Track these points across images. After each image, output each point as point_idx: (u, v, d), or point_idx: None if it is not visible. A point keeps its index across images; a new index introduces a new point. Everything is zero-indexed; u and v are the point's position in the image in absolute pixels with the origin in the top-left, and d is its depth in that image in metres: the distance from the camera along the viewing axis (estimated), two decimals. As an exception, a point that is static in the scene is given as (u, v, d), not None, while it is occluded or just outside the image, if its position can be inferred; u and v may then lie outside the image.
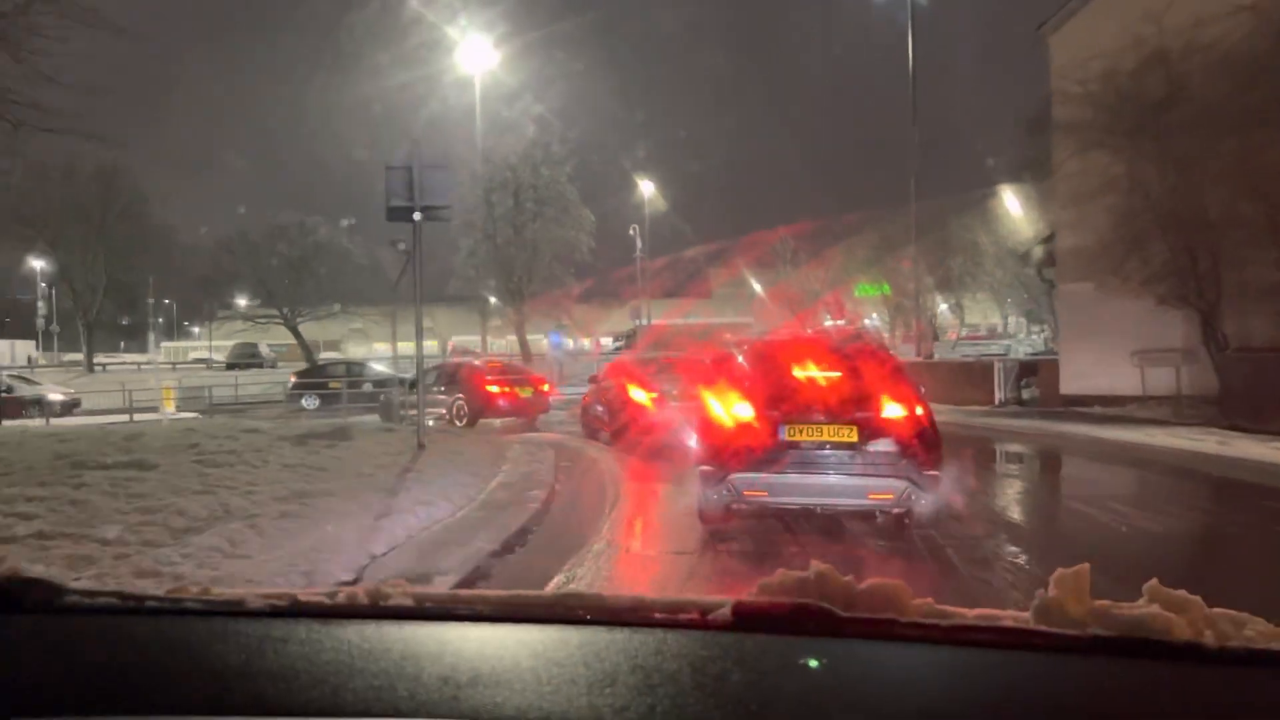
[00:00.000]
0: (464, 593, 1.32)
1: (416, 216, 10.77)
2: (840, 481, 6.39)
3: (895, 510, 6.48)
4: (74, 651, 1.16)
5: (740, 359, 7.37)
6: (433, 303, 58.67)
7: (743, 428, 6.55)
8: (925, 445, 6.41)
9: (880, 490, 6.33)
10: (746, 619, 1.10)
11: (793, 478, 6.40)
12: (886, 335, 53.41)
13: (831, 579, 1.12)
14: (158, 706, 1.00)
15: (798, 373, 6.82)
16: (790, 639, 1.09)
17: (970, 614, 1.12)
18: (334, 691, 1.00)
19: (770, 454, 6.39)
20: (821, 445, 6.40)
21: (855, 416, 6.40)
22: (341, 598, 1.24)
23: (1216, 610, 1.08)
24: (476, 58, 37.03)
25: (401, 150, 10.98)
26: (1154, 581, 1.10)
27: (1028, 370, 21.20)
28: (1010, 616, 1.12)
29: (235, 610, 1.24)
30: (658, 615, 1.16)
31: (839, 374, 6.77)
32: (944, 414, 19.13)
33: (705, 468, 6.65)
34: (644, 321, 47.56)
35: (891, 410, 6.49)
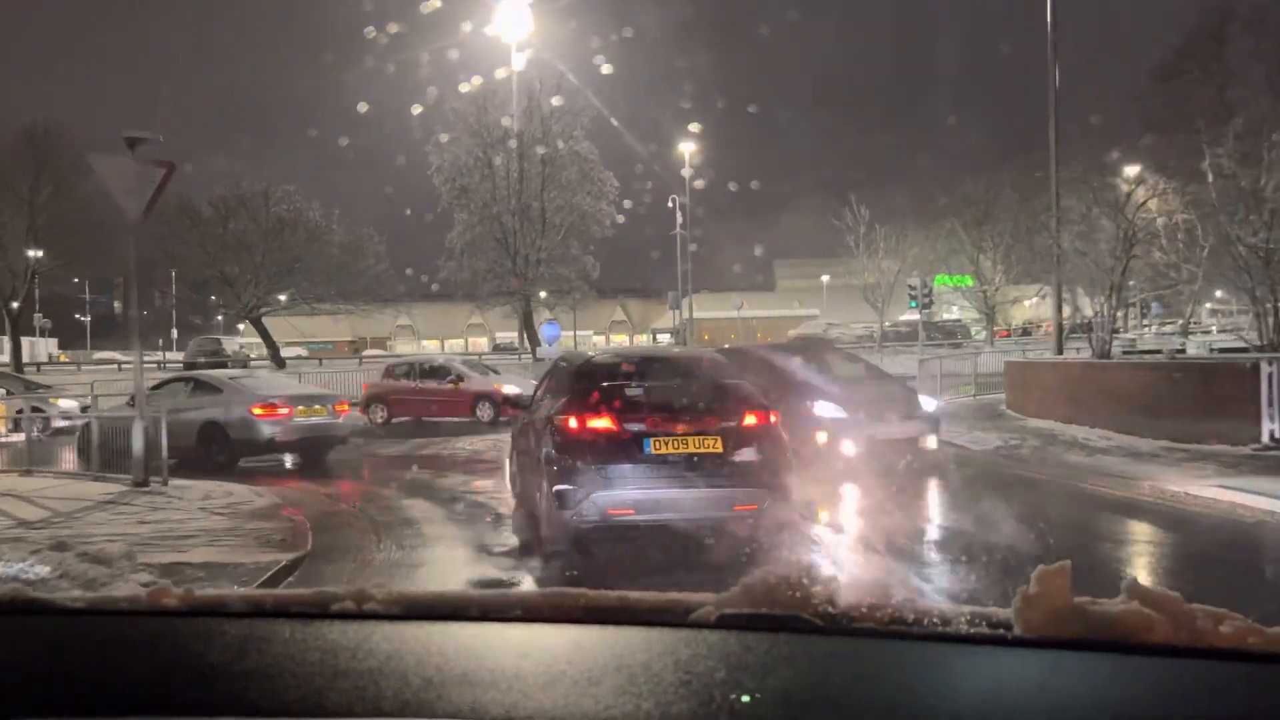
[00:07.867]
0: (448, 593, 1.50)
1: None
2: (708, 495, 7.17)
3: (754, 518, 7.33)
4: (58, 653, 1.34)
5: (593, 375, 8.16)
6: (422, 299, 57.37)
7: (605, 443, 7.24)
8: (783, 451, 7.56)
9: (746, 500, 7.25)
10: (730, 617, 1.28)
11: (659, 493, 7.14)
12: (972, 332, 52.31)
13: (815, 577, 1.32)
14: (142, 707, 1.16)
15: (655, 385, 7.82)
16: (773, 635, 1.28)
17: (952, 610, 1.32)
18: (318, 692, 1.16)
19: (636, 469, 7.16)
20: (690, 458, 7.18)
21: (720, 427, 7.32)
22: (325, 598, 1.43)
23: (1195, 606, 1.26)
24: (514, 20, 37.41)
25: None
26: (1133, 578, 1.29)
27: None
28: (992, 612, 1.31)
29: (218, 611, 1.43)
30: (642, 613, 1.35)
31: (696, 386, 7.80)
32: (1166, 474, 10.33)
33: (562, 486, 7.24)
34: (682, 312, 45.87)
35: (752, 418, 7.51)
